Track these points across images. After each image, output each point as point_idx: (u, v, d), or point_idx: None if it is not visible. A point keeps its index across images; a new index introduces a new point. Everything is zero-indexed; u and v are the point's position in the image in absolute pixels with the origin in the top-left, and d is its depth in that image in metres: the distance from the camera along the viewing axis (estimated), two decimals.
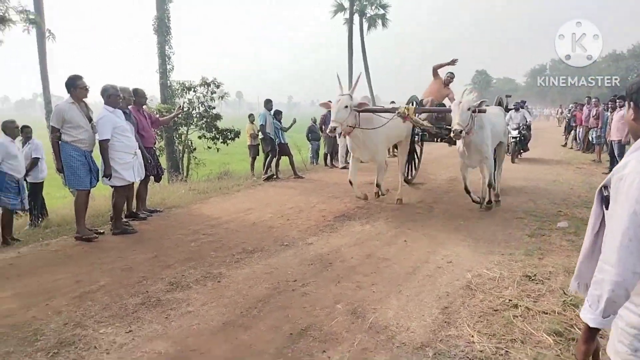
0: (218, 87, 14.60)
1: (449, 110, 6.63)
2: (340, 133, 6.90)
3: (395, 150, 8.62)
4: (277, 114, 10.80)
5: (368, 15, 33.63)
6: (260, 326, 3.38)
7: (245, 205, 7.55)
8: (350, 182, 7.08)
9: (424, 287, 4.07)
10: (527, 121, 13.50)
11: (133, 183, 6.20)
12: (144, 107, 7.31)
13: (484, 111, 6.26)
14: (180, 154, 14.94)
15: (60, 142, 5.46)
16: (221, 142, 14.45)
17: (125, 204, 6.30)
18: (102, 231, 5.88)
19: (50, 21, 17.36)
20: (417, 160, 9.39)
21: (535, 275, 4.25)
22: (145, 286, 4.14)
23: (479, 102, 6.19)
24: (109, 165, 5.59)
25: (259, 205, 7.61)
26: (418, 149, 9.27)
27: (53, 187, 9.55)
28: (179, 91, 14.82)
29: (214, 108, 14.63)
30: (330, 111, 6.52)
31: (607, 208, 1.58)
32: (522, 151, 13.56)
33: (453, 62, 8.41)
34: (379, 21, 33.72)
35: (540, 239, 5.48)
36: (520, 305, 3.61)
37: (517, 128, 13.08)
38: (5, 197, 5.82)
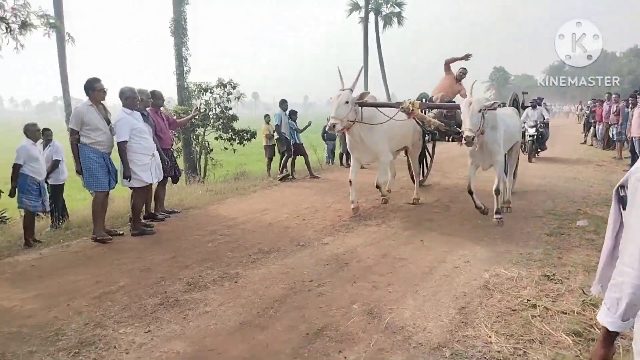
0: (234, 87, 14.64)
1: (458, 107, 6.19)
2: (341, 130, 6.29)
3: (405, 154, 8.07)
4: (292, 114, 10.82)
5: (383, 13, 33.49)
6: (277, 326, 3.40)
7: (262, 206, 7.59)
8: (350, 182, 6.61)
9: (441, 287, 4.05)
10: (544, 119, 13.11)
11: (151, 184, 6.28)
12: (162, 108, 7.40)
13: (494, 109, 5.72)
14: (198, 155, 15.03)
15: (79, 144, 5.54)
16: (238, 143, 14.50)
17: (144, 206, 6.38)
18: (121, 232, 5.96)
19: (69, 25, 17.59)
20: (429, 160, 9.05)
21: (554, 274, 4.19)
22: (163, 287, 4.19)
23: (491, 103, 5.64)
24: (128, 167, 5.66)
25: (275, 205, 7.64)
26: (429, 148, 8.90)
27: (73, 189, 9.68)
28: (196, 93, 14.90)
29: (231, 109, 14.69)
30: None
31: (624, 208, 1.55)
32: (539, 150, 13.17)
33: (467, 57, 7.81)
34: (395, 19, 33.61)
35: (559, 237, 5.41)
36: (538, 305, 3.57)
37: (535, 126, 12.69)
38: (27, 200, 5.92)
